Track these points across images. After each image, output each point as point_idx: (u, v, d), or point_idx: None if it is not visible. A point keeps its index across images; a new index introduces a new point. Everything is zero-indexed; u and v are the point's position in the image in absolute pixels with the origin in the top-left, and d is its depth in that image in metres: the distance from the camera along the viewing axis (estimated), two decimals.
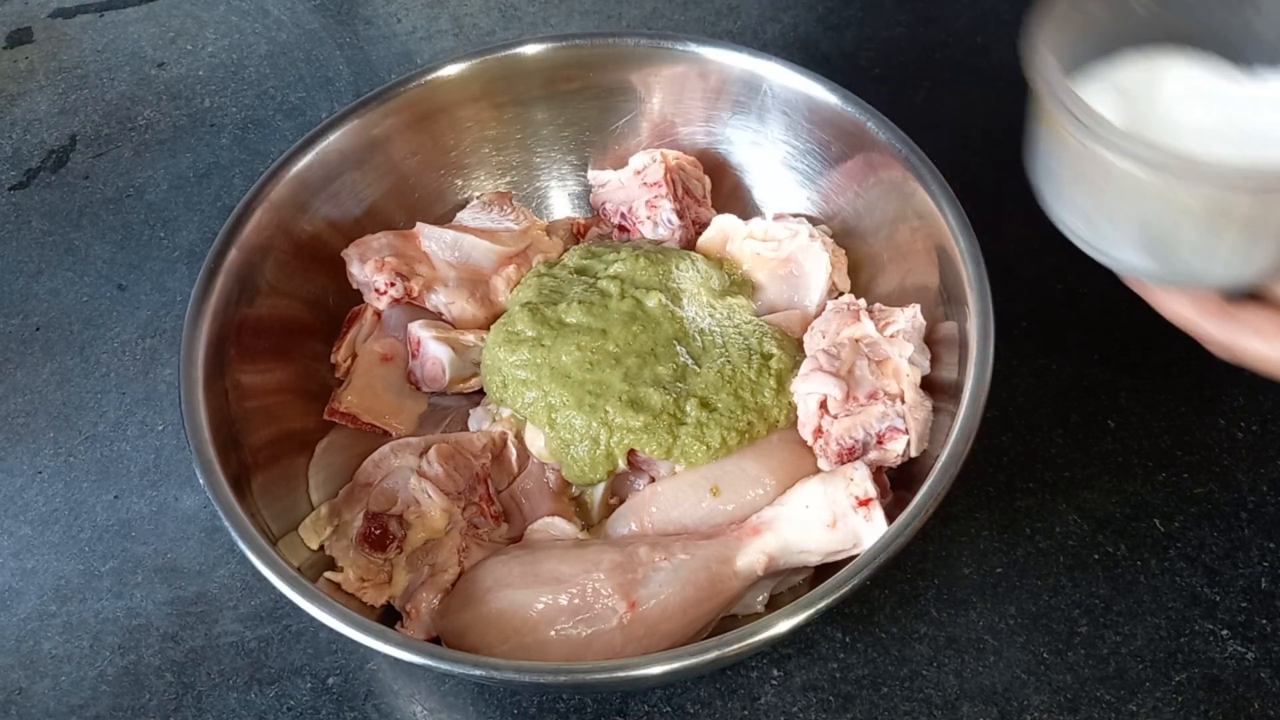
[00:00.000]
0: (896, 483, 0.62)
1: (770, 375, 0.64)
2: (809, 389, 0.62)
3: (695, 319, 0.67)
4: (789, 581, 0.62)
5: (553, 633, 0.56)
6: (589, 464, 0.63)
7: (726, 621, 0.60)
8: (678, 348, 0.65)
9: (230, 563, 0.69)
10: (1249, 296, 0.50)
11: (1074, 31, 0.53)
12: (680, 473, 0.63)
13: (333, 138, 0.71)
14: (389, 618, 0.60)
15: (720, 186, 0.78)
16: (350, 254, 0.71)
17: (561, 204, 0.82)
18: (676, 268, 0.69)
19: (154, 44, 1.03)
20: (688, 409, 0.62)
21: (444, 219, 0.76)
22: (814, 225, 0.72)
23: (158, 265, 0.85)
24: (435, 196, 0.78)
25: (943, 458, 0.55)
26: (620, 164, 0.77)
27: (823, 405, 0.61)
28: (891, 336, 0.63)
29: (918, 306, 0.64)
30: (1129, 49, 0.55)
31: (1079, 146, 0.50)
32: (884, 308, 0.65)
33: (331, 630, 0.52)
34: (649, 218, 0.74)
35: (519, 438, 0.67)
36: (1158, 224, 0.49)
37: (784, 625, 0.50)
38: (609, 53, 0.75)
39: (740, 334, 0.66)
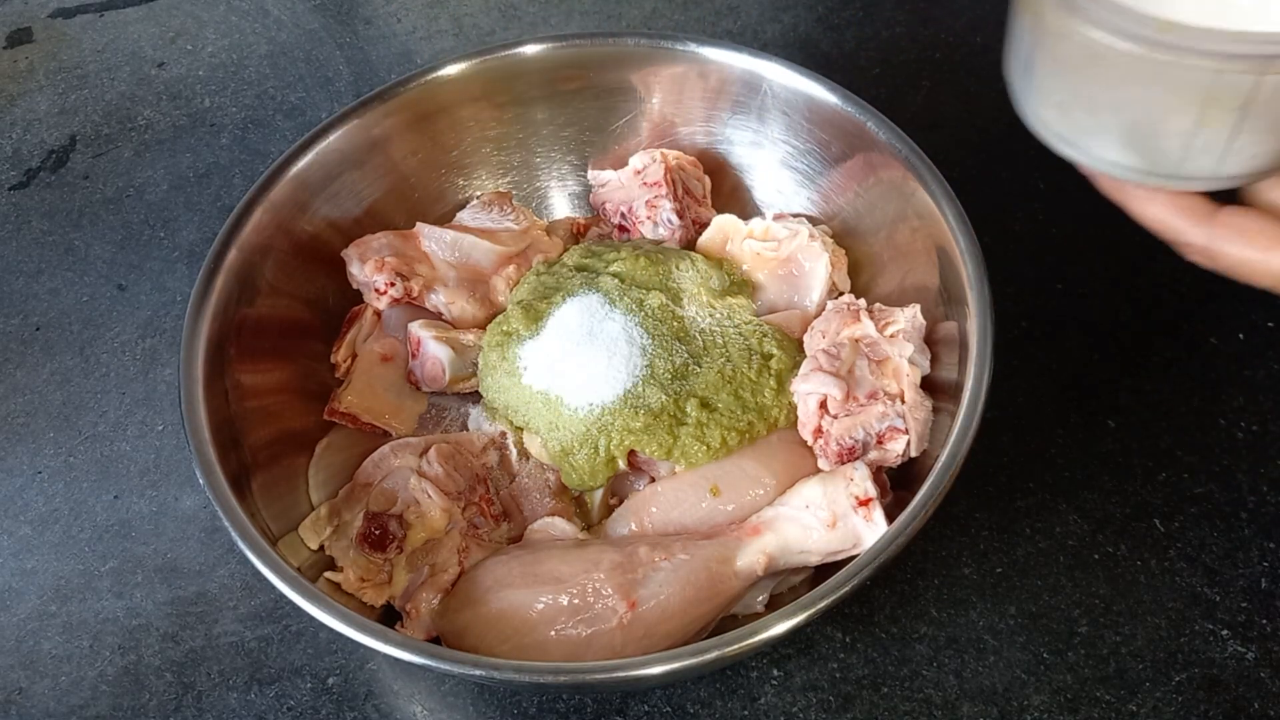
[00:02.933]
0: (896, 483, 0.62)
1: (770, 375, 0.64)
2: (809, 389, 0.62)
3: (695, 319, 0.67)
4: (789, 581, 0.62)
5: (553, 633, 0.56)
6: (589, 473, 0.63)
7: (726, 621, 0.60)
8: (678, 347, 0.65)
9: (230, 563, 0.69)
10: (1230, 200, 0.47)
11: None
12: (680, 473, 0.63)
13: (333, 138, 0.71)
14: (389, 618, 0.60)
15: (720, 186, 0.78)
16: (350, 254, 0.71)
17: (561, 204, 0.82)
18: (676, 268, 0.69)
19: (154, 44, 1.03)
20: (688, 409, 0.62)
21: (444, 219, 0.76)
22: (814, 225, 0.72)
23: (158, 265, 0.85)
24: (435, 196, 0.78)
25: (943, 458, 0.55)
26: (620, 164, 0.77)
27: (823, 405, 0.61)
28: (891, 336, 0.63)
29: (918, 306, 0.64)
30: None
31: (1059, 26, 0.45)
32: (884, 308, 0.65)
33: (331, 630, 0.52)
34: (649, 218, 0.74)
35: (519, 437, 0.67)
36: (1142, 111, 0.45)
37: (784, 625, 0.50)
38: (609, 53, 0.75)
39: (740, 334, 0.66)
